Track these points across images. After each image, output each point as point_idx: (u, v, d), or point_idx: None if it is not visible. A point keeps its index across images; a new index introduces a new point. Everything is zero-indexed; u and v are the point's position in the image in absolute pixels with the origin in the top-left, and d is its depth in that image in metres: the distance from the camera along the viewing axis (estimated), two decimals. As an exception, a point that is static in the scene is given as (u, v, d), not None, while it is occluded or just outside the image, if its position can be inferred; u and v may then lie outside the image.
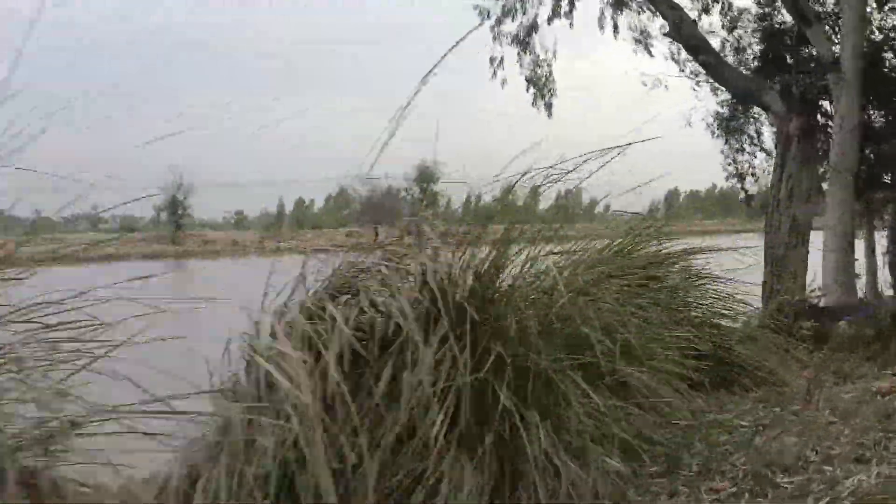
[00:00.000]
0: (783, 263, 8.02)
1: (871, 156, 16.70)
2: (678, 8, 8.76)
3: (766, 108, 8.38)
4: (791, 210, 8.05)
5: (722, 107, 16.84)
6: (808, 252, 7.95)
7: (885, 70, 16.31)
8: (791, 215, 8.04)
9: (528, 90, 13.03)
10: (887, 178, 16.84)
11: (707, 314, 5.48)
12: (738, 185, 18.22)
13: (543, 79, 13.01)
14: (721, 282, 5.64)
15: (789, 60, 16.03)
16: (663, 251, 5.53)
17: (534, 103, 13.01)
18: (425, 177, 73.28)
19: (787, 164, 8.10)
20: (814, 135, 8.22)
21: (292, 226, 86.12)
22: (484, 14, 13.71)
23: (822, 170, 16.54)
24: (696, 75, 17.25)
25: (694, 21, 8.66)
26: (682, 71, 17.14)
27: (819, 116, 15.95)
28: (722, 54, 16.92)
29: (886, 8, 17.91)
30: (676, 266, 5.37)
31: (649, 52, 17.67)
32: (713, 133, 17.52)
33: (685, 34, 8.49)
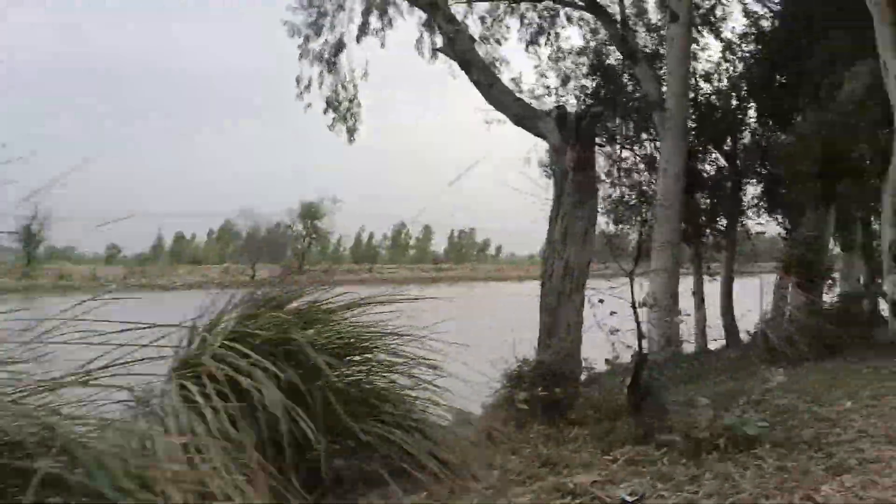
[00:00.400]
0: (557, 315, 6.94)
1: (707, 200, 16.42)
2: (455, 22, 7.75)
3: (542, 138, 7.39)
4: (566, 253, 7.00)
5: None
6: (583, 302, 6.89)
7: (717, 117, 16.17)
8: (565, 259, 6.99)
9: (325, 112, 11.85)
10: (720, 223, 16.55)
11: (381, 387, 4.22)
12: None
13: (347, 102, 11.86)
14: (413, 339, 4.39)
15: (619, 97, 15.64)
16: (327, 304, 4.26)
17: (331, 127, 11.83)
18: (310, 213, 71.65)
19: (563, 200, 7.07)
20: (591, 168, 7.24)
21: (167, 261, 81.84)
22: (294, 31, 12.54)
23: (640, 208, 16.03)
24: (536, 97, 16.51)
25: (471, 37, 7.64)
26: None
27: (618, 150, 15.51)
28: (558, 90, 16.43)
29: (735, 58, 18.00)
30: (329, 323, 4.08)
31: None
32: (547, 174, 16.80)
33: (459, 49, 7.46)
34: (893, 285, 9.69)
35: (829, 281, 11.38)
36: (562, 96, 15.87)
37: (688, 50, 12.47)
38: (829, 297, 11.63)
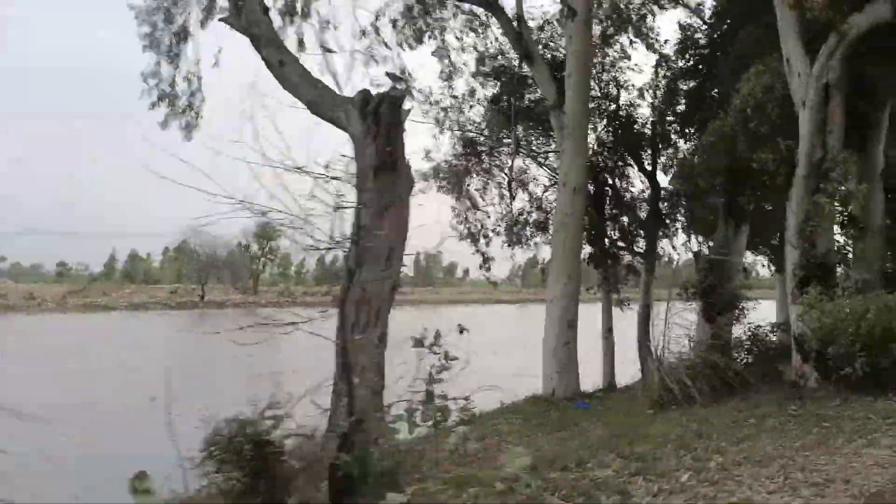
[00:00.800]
0: (353, 356, 5.47)
1: (624, 219, 15.03)
2: (248, -11, 6.33)
3: (343, 129, 5.95)
4: (362, 276, 5.55)
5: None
6: (384, 339, 5.40)
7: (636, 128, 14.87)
8: (362, 284, 5.53)
9: (153, 107, 10.30)
10: (638, 245, 15.12)
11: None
12: (473, 249, 15.82)
13: (187, 95, 10.38)
14: None
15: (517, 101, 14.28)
16: None
17: (164, 124, 10.30)
18: (265, 233, 69.41)
19: (363, 209, 5.63)
20: (396, 169, 5.80)
21: (119, 280, 78.66)
22: (141, 18, 11.07)
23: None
24: (443, 108, 15.06)
25: (263, 6, 6.23)
26: (430, 104, 14.97)
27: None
28: (458, 96, 15.05)
29: (665, 72, 16.77)
30: None
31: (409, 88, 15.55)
32: (438, 184, 15.32)
33: (246, 20, 6.05)
34: (798, 316, 8.33)
35: (738, 311, 9.99)
36: (471, 105, 14.54)
37: (588, 48, 11.16)
38: (738, 329, 10.26)
